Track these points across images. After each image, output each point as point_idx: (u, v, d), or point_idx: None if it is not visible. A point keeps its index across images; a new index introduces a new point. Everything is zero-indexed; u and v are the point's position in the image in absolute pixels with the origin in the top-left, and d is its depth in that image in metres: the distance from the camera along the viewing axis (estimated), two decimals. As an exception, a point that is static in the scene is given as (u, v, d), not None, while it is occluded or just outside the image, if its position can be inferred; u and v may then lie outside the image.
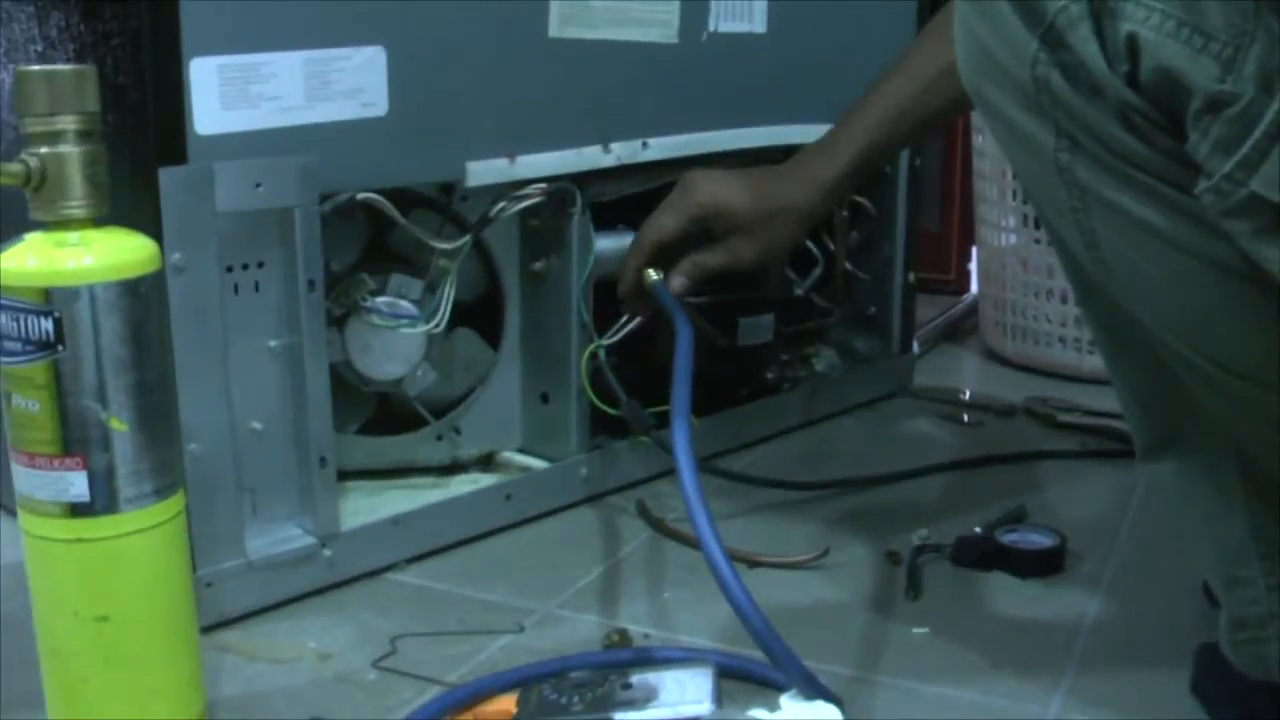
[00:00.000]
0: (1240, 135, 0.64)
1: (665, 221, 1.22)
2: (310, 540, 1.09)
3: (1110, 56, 0.68)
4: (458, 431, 1.29)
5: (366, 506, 1.19)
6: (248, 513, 1.07)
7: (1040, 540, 1.17)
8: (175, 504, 0.84)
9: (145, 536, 0.82)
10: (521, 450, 1.32)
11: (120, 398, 0.80)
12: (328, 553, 1.10)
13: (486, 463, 1.31)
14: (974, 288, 2.14)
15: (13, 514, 0.84)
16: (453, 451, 1.29)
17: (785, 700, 0.88)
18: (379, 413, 1.27)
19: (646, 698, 0.88)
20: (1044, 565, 1.15)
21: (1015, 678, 0.98)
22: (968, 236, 2.15)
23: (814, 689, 0.87)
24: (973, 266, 2.17)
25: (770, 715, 0.86)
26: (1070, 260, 0.82)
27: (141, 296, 0.81)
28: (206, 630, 1.03)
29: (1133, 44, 0.67)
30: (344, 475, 1.21)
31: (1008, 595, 1.12)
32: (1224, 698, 0.91)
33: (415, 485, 1.25)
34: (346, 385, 1.20)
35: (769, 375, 1.52)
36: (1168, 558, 1.17)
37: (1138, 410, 0.86)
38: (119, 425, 0.80)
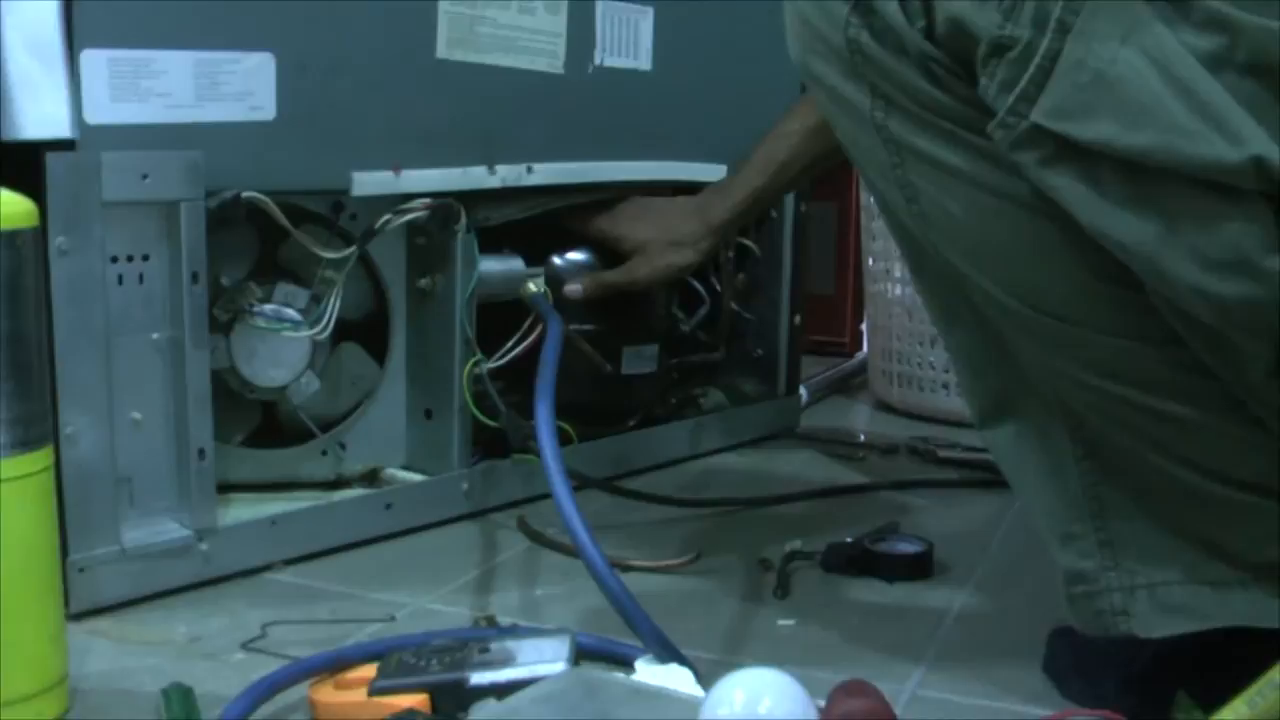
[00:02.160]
0: (1019, 73, 0.72)
1: (593, 232, 1.44)
2: (186, 533, 1.10)
3: (909, 13, 0.75)
4: (343, 447, 1.31)
5: (248, 512, 1.20)
6: (124, 502, 1.08)
7: (908, 547, 1.20)
8: (43, 458, 0.86)
9: (11, 486, 0.83)
10: (405, 467, 1.34)
11: (-10, 346, 0.82)
12: (204, 547, 1.11)
13: (371, 479, 1.32)
14: (865, 347, 2.19)
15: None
16: (337, 467, 1.31)
17: (640, 664, 0.90)
18: (264, 426, 1.29)
19: (503, 660, 0.89)
20: (912, 569, 1.18)
21: (876, 660, 1.01)
22: (860, 300, 2.20)
23: (668, 651, 0.89)
24: (864, 327, 2.22)
25: (626, 676, 0.88)
26: (897, 224, 0.87)
27: (17, 249, 0.83)
28: (78, 616, 1.04)
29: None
30: (228, 487, 1.22)
31: (875, 595, 1.15)
32: (1072, 672, 0.94)
33: (299, 498, 1.26)
34: (233, 396, 1.22)
35: (656, 413, 1.56)
36: (1034, 566, 1.21)
37: (972, 378, 0.90)
38: (-12, 373, 0.82)
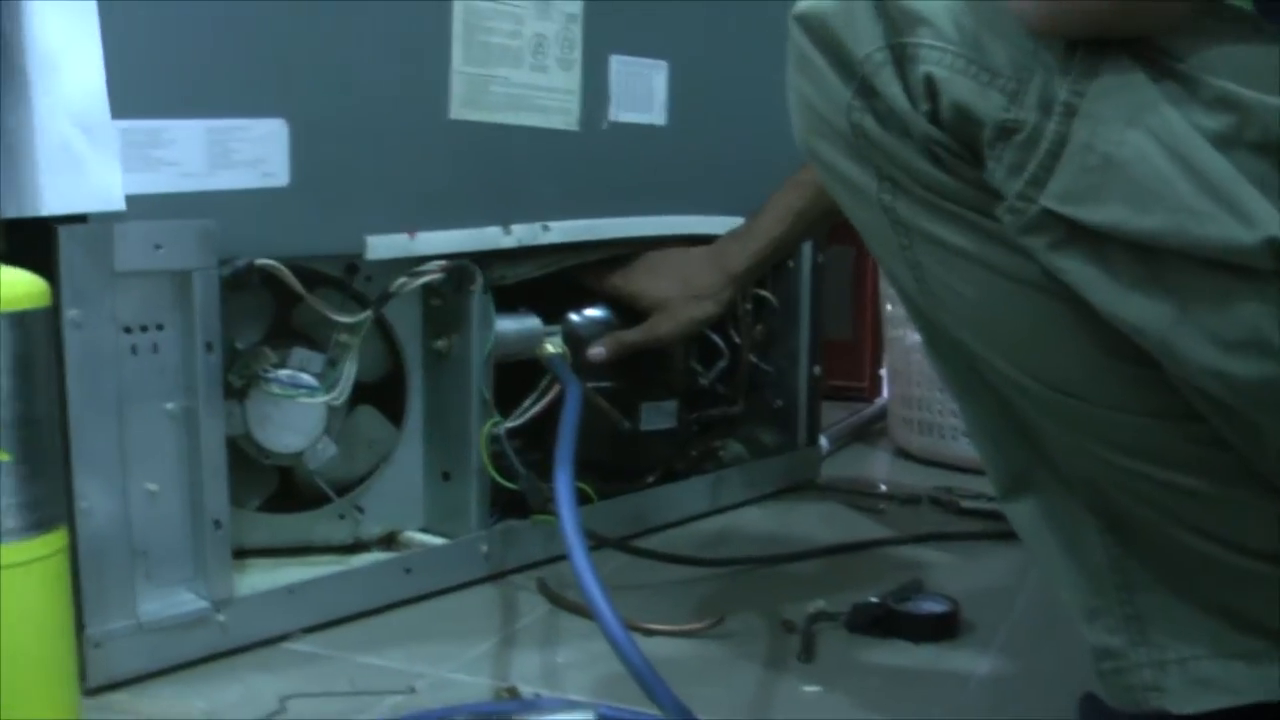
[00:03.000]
0: (1027, 157, 0.71)
1: (608, 289, 1.43)
2: (203, 604, 1.09)
3: (913, 97, 0.75)
4: (360, 510, 1.30)
5: (265, 579, 1.18)
6: (140, 574, 1.07)
7: (934, 607, 1.19)
8: (57, 540, 0.85)
9: (25, 570, 0.82)
10: (424, 530, 1.33)
11: (4, 428, 0.81)
12: (221, 618, 1.10)
13: (389, 542, 1.31)
14: (885, 393, 2.18)
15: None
16: (355, 531, 1.29)
17: (665, 740, 0.89)
18: (281, 491, 1.28)
19: (527, 738, 0.88)
20: (937, 630, 1.17)
21: (902, 729, 1.00)
22: (879, 345, 2.19)
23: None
24: (884, 372, 2.21)
25: (650, 753, 0.87)
26: (909, 303, 0.86)
27: (28, 330, 0.82)
28: (95, 692, 1.03)
29: (930, 84, 0.74)
30: (245, 553, 1.22)
31: (900, 657, 1.13)
32: (1104, 741, 0.92)
33: (317, 563, 1.25)
34: (248, 460, 1.21)
35: (676, 467, 1.55)
36: (1060, 625, 1.19)
37: (991, 452, 0.89)
38: (2, 456, 0.81)
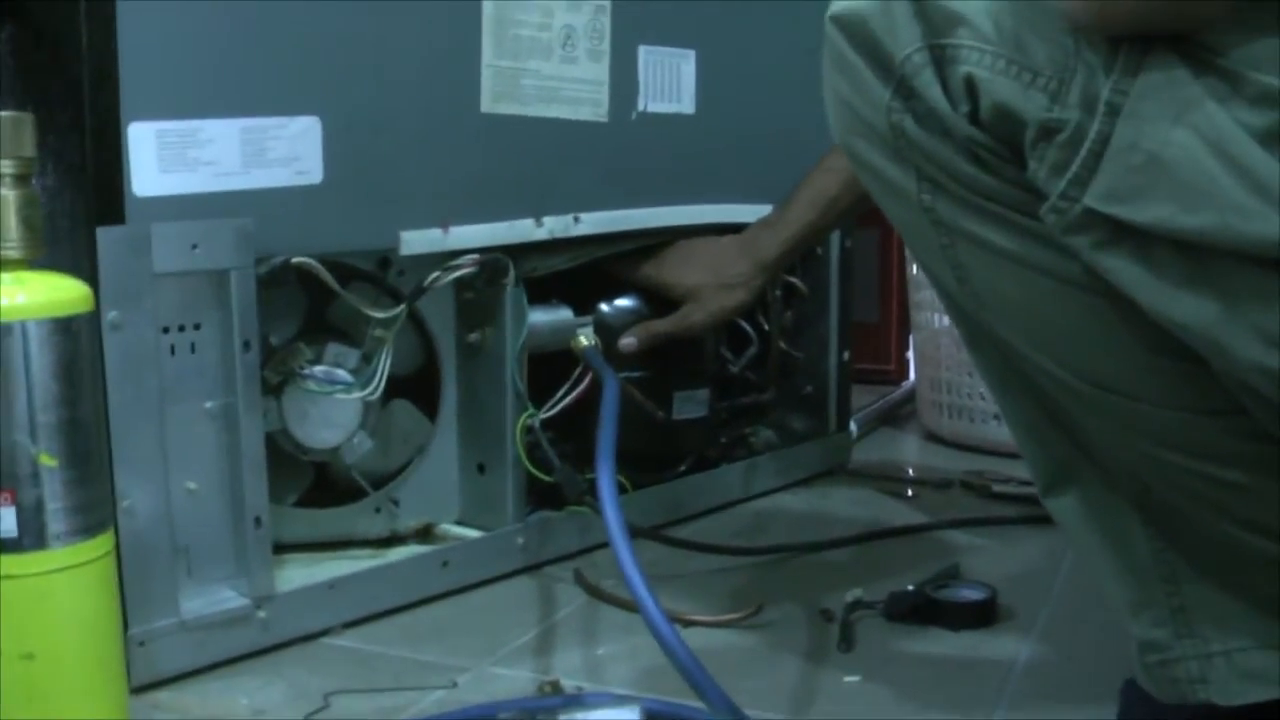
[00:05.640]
0: (1070, 156, 0.70)
1: (639, 279, 1.43)
2: (244, 601, 1.10)
3: (953, 98, 0.74)
4: (396, 504, 1.30)
5: (304, 575, 1.19)
6: (182, 572, 1.08)
7: (972, 594, 1.19)
8: (104, 543, 0.85)
9: (72, 574, 0.83)
10: (459, 522, 1.33)
11: (50, 433, 0.82)
12: (262, 614, 1.11)
13: (425, 535, 1.31)
14: (913, 376, 2.18)
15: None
16: (391, 524, 1.30)
17: (711, 733, 0.89)
18: (317, 485, 1.28)
19: (574, 734, 0.88)
20: (976, 617, 1.17)
21: (946, 717, 1.00)
22: (905, 327, 2.19)
23: (736, 717, 0.88)
24: (911, 355, 2.21)
25: (697, 747, 0.87)
26: (950, 301, 0.86)
27: (73, 335, 0.83)
28: (139, 690, 1.03)
29: (970, 84, 0.73)
30: (282, 548, 1.22)
31: (940, 645, 1.14)
32: (1147, 726, 0.92)
33: (354, 557, 1.26)
34: (284, 456, 1.21)
35: (707, 454, 1.55)
36: (1098, 610, 1.19)
37: (1033, 448, 0.89)
38: (48, 460, 0.81)
